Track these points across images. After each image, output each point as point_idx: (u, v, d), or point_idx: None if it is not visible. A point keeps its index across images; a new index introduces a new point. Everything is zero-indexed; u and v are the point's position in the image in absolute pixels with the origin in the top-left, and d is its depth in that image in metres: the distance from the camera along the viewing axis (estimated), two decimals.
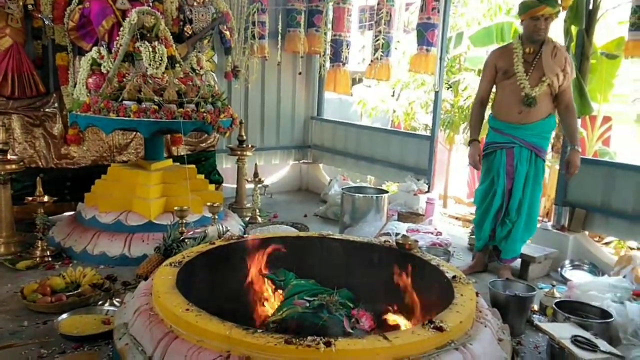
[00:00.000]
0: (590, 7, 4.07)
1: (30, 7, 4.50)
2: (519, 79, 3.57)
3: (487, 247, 4.00)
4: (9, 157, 3.98)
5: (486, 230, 3.90)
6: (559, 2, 3.49)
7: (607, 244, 5.39)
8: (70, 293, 3.13)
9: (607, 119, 5.93)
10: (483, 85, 3.85)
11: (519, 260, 4.07)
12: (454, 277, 2.54)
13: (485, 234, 3.92)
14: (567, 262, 4.10)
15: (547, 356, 2.73)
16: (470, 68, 7.10)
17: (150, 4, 4.33)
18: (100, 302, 3.12)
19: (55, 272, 3.57)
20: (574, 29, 4.11)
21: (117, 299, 3.12)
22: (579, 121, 4.96)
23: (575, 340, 2.41)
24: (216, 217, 3.85)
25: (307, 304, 2.46)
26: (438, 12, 5.07)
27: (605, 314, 2.80)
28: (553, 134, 4.02)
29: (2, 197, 3.97)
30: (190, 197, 4.01)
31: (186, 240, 3.42)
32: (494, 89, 3.82)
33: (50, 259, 3.83)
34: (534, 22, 3.50)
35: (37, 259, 3.78)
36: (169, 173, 4.29)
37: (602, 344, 2.40)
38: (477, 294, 2.46)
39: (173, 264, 2.57)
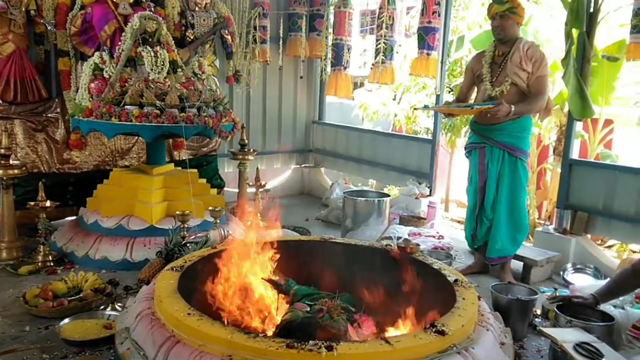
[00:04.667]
0: (591, 9, 4.07)
1: (32, 12, 4.53)
2: (484, 80, 3.75)
3: (483, 249, 3.99)
4: (11, 162, 3.99)
5: (468, 229, 4.05)
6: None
7: (609, 247, 5.38)
8: (72, 298, 3.13)
9: (608, 122, 5.92)
10: (462, 88, 4.09)
11: (520, 264, 4.06)
12: (455, 280, 2.54)
13: (468, 234, 4.07)
14: (569, 265, 4.09)
15: None
16: None
17: (152, 9, 4.36)
18: (102, 307, 3.12)
19: (57, 276, 3.57)
20: (575, 32, 4.11)
21: (119, 304, 3.12)
22: (580, 124, 4.97)
23: (578, 347, 2.39)
24: (218, 221, 3.85)
25: (308, 308, 2.46)
26: (439, 16, 5.08)
27: (606, 317, 2.79)
28: (533, 133, 4.09)
29: (4, 202, 3.98)
30: (192, 201, 4.02)
31: (188, 245, 3.42)
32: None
33: (52, 264, 3.83)
34: (492, 22, 3.70)
35: (39, 264, 3.79)
36: (170, 177, 4.29)
37: (605, 349, 2.39)
38: (479, 297, 2.46)
39: (175, 269, 2.57)
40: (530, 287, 3.36)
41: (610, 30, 5.37)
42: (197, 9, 5.24)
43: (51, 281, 3.35)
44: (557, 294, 3.18)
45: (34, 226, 3.94)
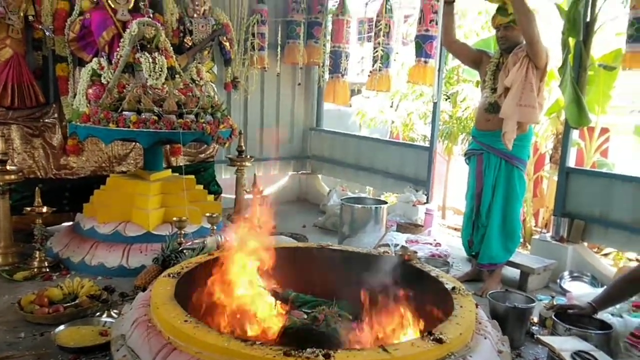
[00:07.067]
0: (588, 19, 4.10)
1: (31, 18, 4.53)
2: (485, 86, 3.79)
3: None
4: (8, 167, 3.98)
5: (465, 235, 4.06)
6: (508, 11, 3.59)
7: (606, 255, 5.38)
8: (68, 304, 3.12)
9: (605, 131, 5.94)
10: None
11: (517, 272, 4.06)
12: (453, 288, 2.53)
13: (464, 240, 4.08)
14: (566, 273, 4.10)
15: None
16: (469, 79, 7.12)
17: (151, 16, 4.35)
18: (97, 314, 3.10)
19: (53, 283, 3.56)
20: (571, 41, 4.14)
21: (115, 310, 3.10)
22: (576, 132, 5.00)
23: (576, 356, 2.39)
24: (215, 227, 3.84)
25: (306, 316, 2.45)
26: (436, 24, 5.09)
27: (604, 325, 2.79)
28: (532, 143, 4.07)
29: (0, 208, 3.96)
30: (188, 207, 4.01)
31: (185, 251, 3.40)
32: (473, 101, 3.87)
33: (48, 270, 3.82)
34: (496, 33, 3.79)
35: (35, 270, 3.77)
36: (167, 183, 4.29)
37: (603, 358, 2.38)
38: (476, 305, 2.46)
39: (171, 275, 2.56)
40: (527, 295, 3.36)
41: (607, 39, 5.40)
42: (195, 15, 5.26)
43: (47, 287, 3.33)
44: (555, 302, 3.18)
45: (30, 232, 3.93)
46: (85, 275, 3.65)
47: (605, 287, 3.27)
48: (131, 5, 4.63)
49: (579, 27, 4.04)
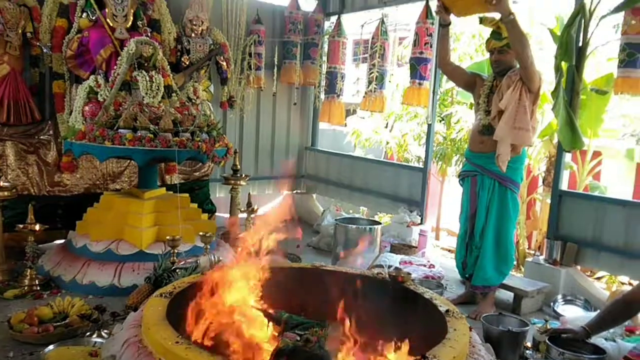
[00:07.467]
0: (580, 43, 4.17)
1: (29, 35, 4.55)
2: (479, 108, 3.83)
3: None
4: (1, 184, 3.95)
5: (458, 257, 4.06)
6: (502, 35, 3.64)
7: (598, 278, 5.39)
8: (58, 323, 3.07)
9: (597, 154, 6.00)
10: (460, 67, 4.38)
11: (511, 295, 4.06)
12: (447, 310, 2.52)
13: (458, 262, 4.07)
14: (559, 297, 4.09)
15: None
16: (462, 101, 7.20)
17: (149, 35, 4.39)
18: (88, 334, 3.06)
19: (44, 301, 3.51)
20: (564, 65, 4.20)
21: (106, 331, 3.06)
22: (568, 155, 5.04)
23: None
24: (208, 247, 3.82)
25: (299, 338, 2.43)
26: (431, 47, 5.18)
27: (598, 349, 2.78)
28: (525, 165, 4.09)
29: None
30: (182, 226, 3.99)
31: (177, 271, 3.38)
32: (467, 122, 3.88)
33: (38, 288, 3.77)
34: (490, 57, 3.84)
35: (26, 288, 3.73)
36: (161, 202, 4.27)
37: None
38: (470, 328, 2.45)
39: (164, 295, 2.54)
40: (521, 318, 3.35)
41: (599, 64, 5.49)
42: (193, 35, 5.31)
43: (37, 306, 3.28)
44: (548, 326, 3.17)
45: (22, 249, 3.89)
46: (76, 294, 3.61)
47: (598, 311, 3.26)
48: (129, 24, 4.68)
49: (572, 51, 4.11)
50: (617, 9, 3.90)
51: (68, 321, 3.11)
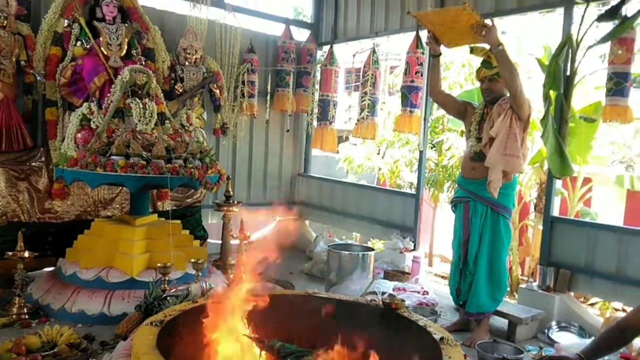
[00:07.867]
0: (568, 72, 4.25)
1: (23, 63, 4.57)
2: (471, 136, 3.88)
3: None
4: None
5: (452, 284, 4.05)
6: (492, 64, 3.70)
7: (592, 304, 5.38)
8: (46, 353, 3.01)
9: (587, 180, 6.07)
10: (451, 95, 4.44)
11: (505, 322, 4.03)
12: (441, 338, 2.50)
13: (452, 288, 4.06)
14: (554, 323, 4.07)
15: None
16: (454, 129, 7.29)
17: (143, 63, 4.43)
18: None
19: (32, 330, 3.45)
20: (552, 94, 4.27)
21: None
22: (559, 182, 5.08)
23: None
24: (200, 274, 3.79)
25: None
26: (421, 75, 5.26)
27: None
28: (517, 192, 4.13)
29: None
30: (173, 253, 3.96)
31: (168, 298, 3.34)
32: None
33: (27, 317, 3.70)
34: (481, 85, 3.89)
35: (14, 317, 3.66)
36: (153, 228, 4.24)
37: None
38: (465, 356, 2.42)
39: (154, 323, 2.49)
40: (516, 345, 3.33)
41: (587, 92, 5.59)
42: (187, 63, 5.36)
43: (25, 335, 3.22)
44: (543, 353, 3.15)
45: (11, 277, 3.83)
46: (65, 322, 3.55)
47: (593, 338, 3.25)
48: (124, 52, 4.73)
49: (560, 80, 4.18)
50: (603, 40, 3.99)
51: (56, 350, 3.05)
